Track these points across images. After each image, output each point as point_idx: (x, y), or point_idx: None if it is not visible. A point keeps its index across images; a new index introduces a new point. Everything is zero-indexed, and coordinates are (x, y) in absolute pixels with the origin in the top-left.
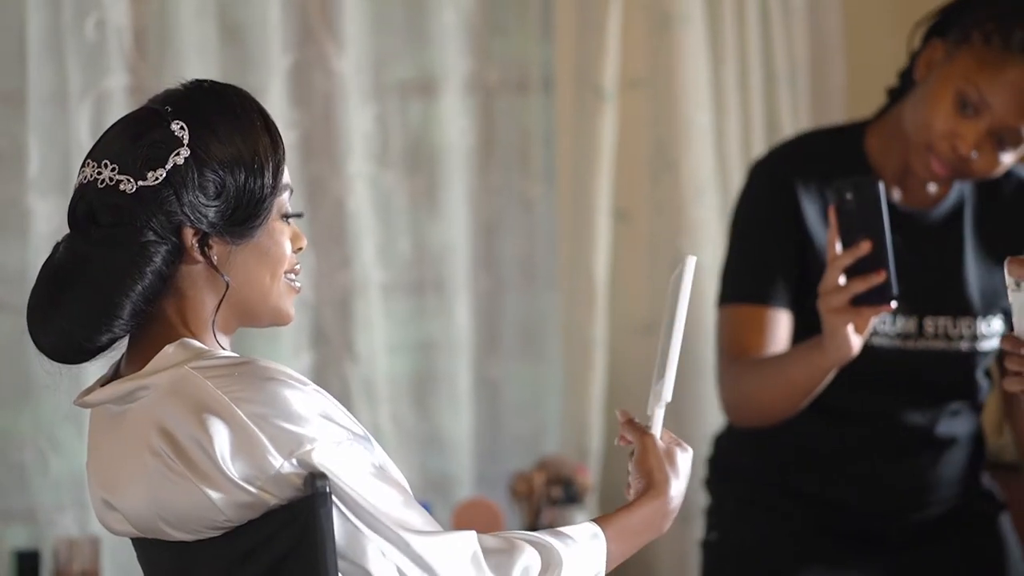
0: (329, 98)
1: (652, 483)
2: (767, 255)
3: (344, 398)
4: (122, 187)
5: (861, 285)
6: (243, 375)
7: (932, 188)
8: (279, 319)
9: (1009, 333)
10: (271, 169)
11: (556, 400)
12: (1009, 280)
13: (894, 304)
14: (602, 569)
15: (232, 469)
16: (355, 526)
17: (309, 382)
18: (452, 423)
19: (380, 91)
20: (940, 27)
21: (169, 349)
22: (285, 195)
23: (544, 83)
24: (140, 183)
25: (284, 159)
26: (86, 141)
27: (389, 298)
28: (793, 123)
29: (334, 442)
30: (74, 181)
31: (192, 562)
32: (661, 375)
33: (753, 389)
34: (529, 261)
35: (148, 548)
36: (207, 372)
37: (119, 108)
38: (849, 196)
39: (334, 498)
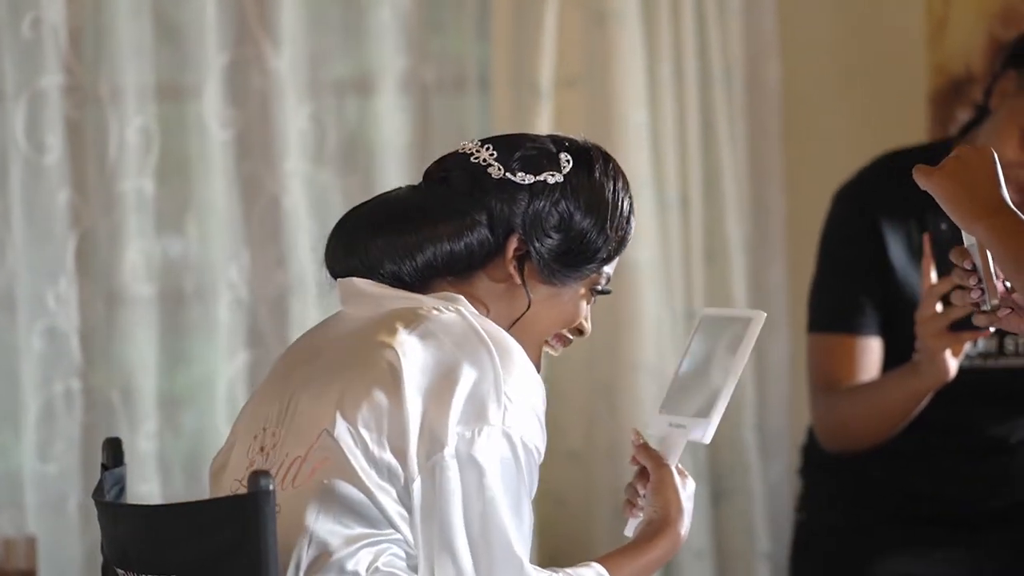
0: (265, 96)
1: (667, 518)
2: (854, 282)
3: None
4: (490, 170)
5: (960, 312)
6: (506, 342)
7: None
8: None
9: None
10: (615, 242)
11: None
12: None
13: (992, 328)
14: None
15: (455, 410)
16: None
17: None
18: None
19: (316, 89)
20: (1015, 57)
21: (448, 292)
22: (604, 275)
23: (480, 81)
24: (507, 175)
25: (627, 243)
26: (21, 139)
27: (325, 297)
28: (728, 121)
29: (535, 446)
30: (8, 181)
31: (150, 531)
32: (689, 411)
33: (848, 417)
34: None
35: (113, 516)
36: (478, 318)
37: (54, 107)
38: (944, 225)
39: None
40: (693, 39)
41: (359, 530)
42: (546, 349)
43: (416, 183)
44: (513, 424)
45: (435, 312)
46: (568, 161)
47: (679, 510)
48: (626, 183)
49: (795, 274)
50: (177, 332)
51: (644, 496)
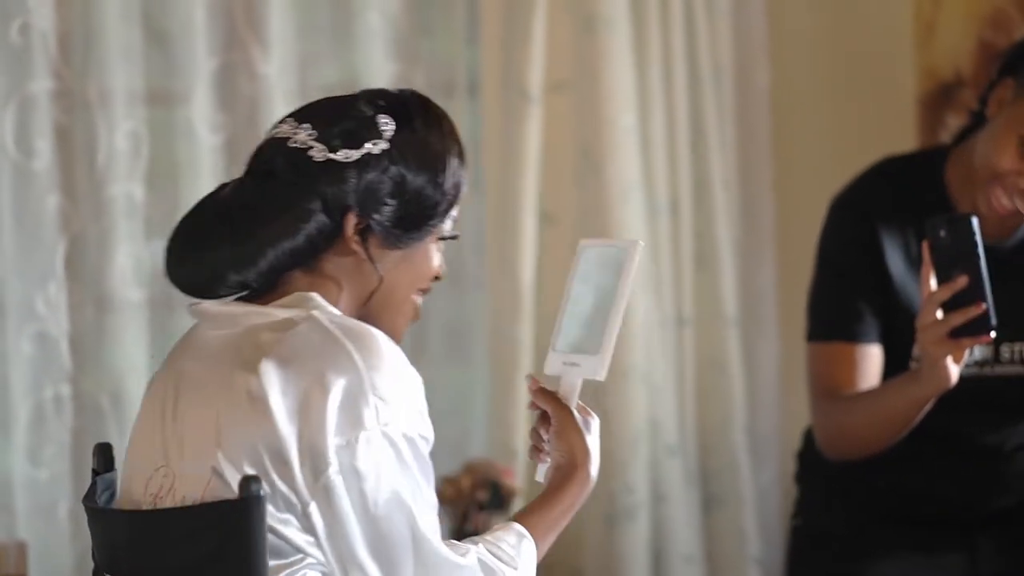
0: (255, 101)
1: (575, 461)
2: (852, 290)
3: None
4: (311, 153)
5: (960, 318)
6: (366, 334)
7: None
8: (394, 335)
9: None
10: (451, 193)
11: (483, 403)
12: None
13: (993, 334)
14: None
15: (331, 422)
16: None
17: (418, 376)
18: None
19: (306, 94)
20: (1012, 65)
21: (299, 294)
22: (449, 223)
23: (470, 86)
24: (330, 155)
25: (462, 190)
26: (10, 145)
27: None
28: (718, 124)
29: (422, 436)
30: None
31: (139, 535)
32: (579, 348)
33: (849, 425)
34: (456, 264)
35: (103, 521)
36: (333, 319)
37: (44, 112)
38: (943, 232)
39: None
40: (682, 43)
41: (272, 563)
42: (417, 310)
43: (241, 177)
44: (391, 421)
45: (291, 326)
46: (388, 123)
47: (585, 452)
48: (450, 124)
49: (785, 278)
50: (167, 337)
51: (548, 441)
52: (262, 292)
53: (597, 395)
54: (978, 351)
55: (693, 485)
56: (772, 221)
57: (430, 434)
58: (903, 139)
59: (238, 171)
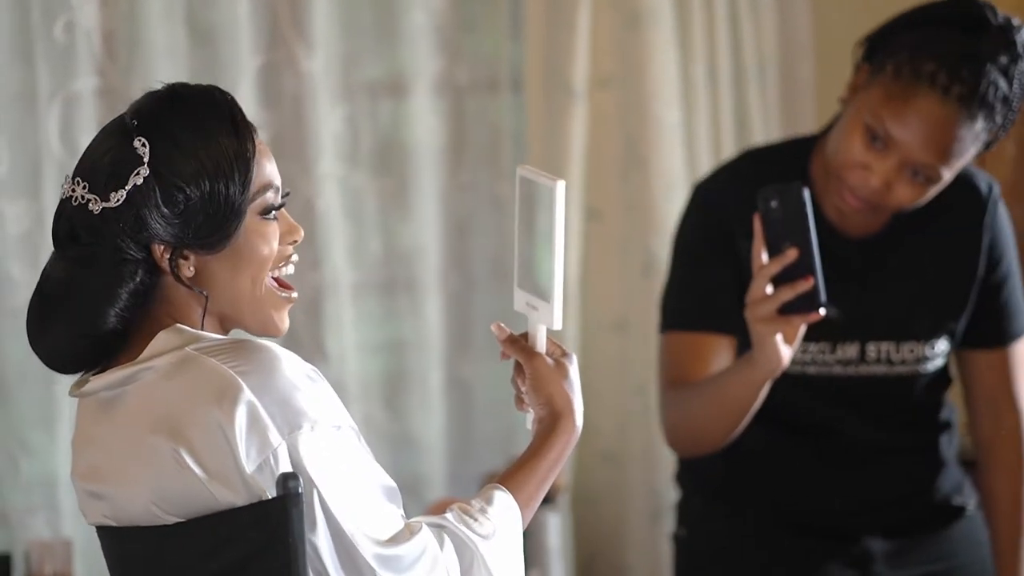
0: (299, 99)
1: (556, 411)
2: (704, 280)
3: None
4: (91, 207)
5: (788, 293)
6: (243, 351)
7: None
8: (267, 329)
9: None
10: (239, 176)
11: None
12: None
13: (823, 311)
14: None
15: (243, 450)
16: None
17: (308, 364)
18: (423, 423)
19: (350, 91)
20: (870, 50)
21: (162, 334)
22: (268, 194)
23: (514, 82)
24: (104, 204)
25: (253, 160)
26: (55, 144)
27: (360, 298)
28: (763, 119)
29: (333, 425)
30: (43, 184)
31: (162, 551)
32: (535, 290)
33: (689, 413)
34: (500, 260)
35: (117, 536)
36: (209, 351)
37: (88, 110)
38: (774, 204)
39: (311, 490)
40: (726, 38)
41: None
42: (277, 295)
43: (63, 256)
44: (292, 422)
45: (174, 373)
46: (144, 145)
47: (564, 399)
48: (217, 111)
49: None
50: None
51: (526, 392)
52: (128, 338)
53: (643, 392)
54: (840, 351)
55: None
56: None
57: (340, 413)
58: None
59: (283, 169)
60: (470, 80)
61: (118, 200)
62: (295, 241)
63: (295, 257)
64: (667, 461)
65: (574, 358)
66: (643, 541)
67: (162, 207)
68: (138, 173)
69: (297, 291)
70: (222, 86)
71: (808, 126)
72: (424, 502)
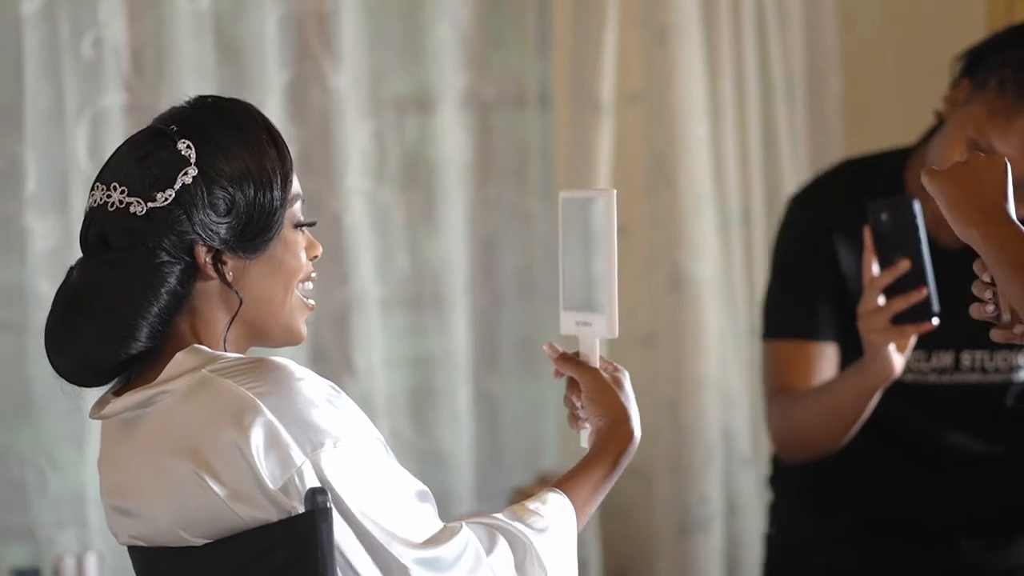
0: (326, 114)
1: (615, 420)
2: (807, 288)
3: None
4: (132, 209)
5: (901, 303)
6: (261, 371)
7: None
8: (291, 337)
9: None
10: (279, 181)
11: (555, 414)
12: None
13: (935, 321)
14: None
15: (264, 468)
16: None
17: (326, 380)
18: (451, 438)
19: (377, 107)
20: (971, 66)
21: (180, 356)
22: (296, 205)
23: (541, 97)
24: (150, 204)
25: (292, 170)
26: (83, 159)
27: (387, 313)
28: (790, 135)
29: (356, 439)
30: (71, 199)
31: (191, 569)
32: (587, 306)
33: (800, 421)
34: (527, 275)
35: (148, 556)
36: (225, 372)
37: (116, 126)
38: (884, 216)
39: (341, 506)
40: (754, 53)
41: None
42: (304, 303)
43: (96, 262)
44: (314, 440)
45: (191, 396)
46: (190, 147)
47: (622, 409)
48: (247, 111)
49: None
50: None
51: (582, 407)
52: (147, 357)
53: (672, 407)
54: (936, 359)
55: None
56: None
57: (364, 425)
58: None
59: (311, 184)
60: (497, 96)
61: (166, 200)
62: (315, 256)
63: (314, 274)
64: (697, 476)
65: (627, 372)
66: (672, 555)
67: (208, 208)
68: (186, 173)
69: (325, 306)
70: (250, 101)
71: (836, 141)
72: (451, 517)
